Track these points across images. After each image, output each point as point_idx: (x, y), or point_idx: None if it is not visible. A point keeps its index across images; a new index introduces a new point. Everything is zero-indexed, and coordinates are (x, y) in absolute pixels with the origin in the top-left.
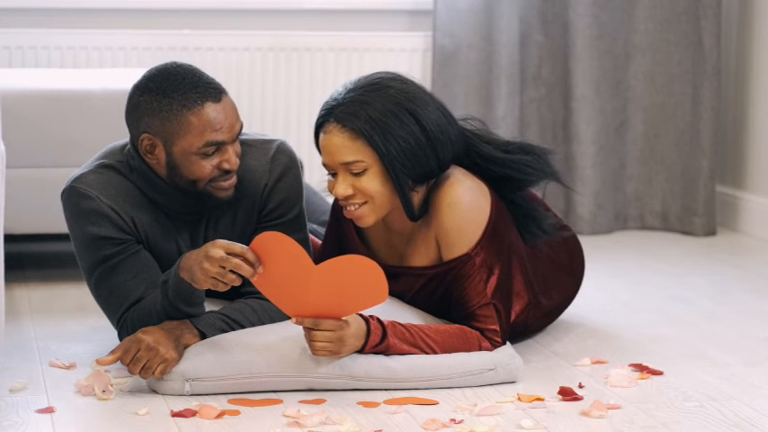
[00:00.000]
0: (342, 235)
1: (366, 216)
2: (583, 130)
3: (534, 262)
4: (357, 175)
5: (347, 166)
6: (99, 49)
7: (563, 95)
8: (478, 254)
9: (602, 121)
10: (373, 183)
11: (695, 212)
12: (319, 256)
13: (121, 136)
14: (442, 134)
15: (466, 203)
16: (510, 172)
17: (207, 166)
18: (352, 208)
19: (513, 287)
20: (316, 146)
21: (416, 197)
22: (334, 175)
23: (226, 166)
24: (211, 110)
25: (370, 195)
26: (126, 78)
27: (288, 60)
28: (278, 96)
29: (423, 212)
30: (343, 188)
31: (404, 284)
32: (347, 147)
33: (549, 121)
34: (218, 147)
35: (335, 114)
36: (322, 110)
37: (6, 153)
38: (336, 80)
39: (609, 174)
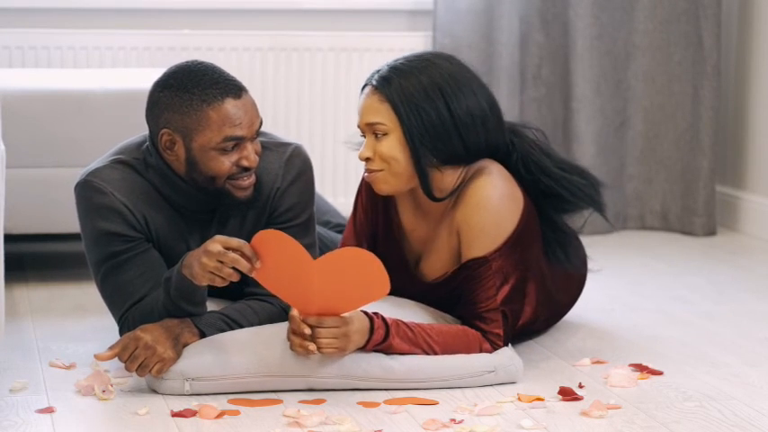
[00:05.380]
0: (378, 206)
1: (381, 182)
2: (583, 130)
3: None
4: (379, 139)
5: (371, 127)
6: (99, 49)
7: (563, 95)
8: (496, 259)
9: (602, 121)
10: (392, 149)
11: (695, 212)
12: (351, 228)
13: (122, 136)
14: (471, 119)
15: (494, 206)
16: (560, 189)
17: (225, 163)
18: (369, 172)
19: (524, 299)
20: None
21: (444, 179)
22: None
23: (245, 163)
24: (231, 105)
25: (387, 160)
26: (126, 78)
27: (288, 60)
28: (278, 96)
29: (449, 197)
30: (366, 150)
31: (412, 291)
32: (374, 108)
33: (549, 121)
34: (238, 143)
35: (374, 78)
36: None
37: (6, 153)
38: (336, 80)
39: (609, 174)
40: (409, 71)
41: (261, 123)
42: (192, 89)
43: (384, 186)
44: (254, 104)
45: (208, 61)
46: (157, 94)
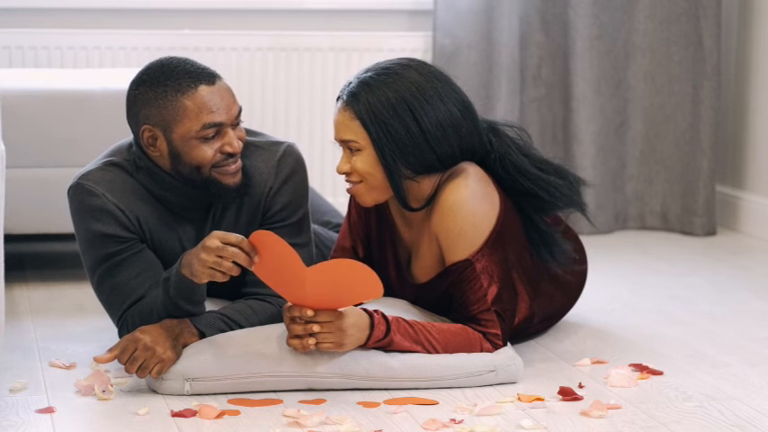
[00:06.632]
0: (371, 208)
1: (361, 195)
2: (583, 130)
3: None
4: (354, 154)
5: (346, 143)
6: (99, 49)
7: (563, 95)
8: (479, 260)
9: (602, 121)
10: (366, 164)
11: (695, 212)
12: (346, 229)
13: (121, 135)
14: (441, 131)
15: (469, 208)
16: (537, 190)
17: (208, 151)
18: (349, 185)
19: (516, 297)
20: None
21: (422, 187)
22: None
23: (228, 149)
24: (205, 92)
25: (363, 175)
26: (126, 78)
27: (288, 60)
28: (278, 96)
29: (426, 205)
30: (342, 164)
31: (407, 291)
32: (346, 125)
33: (549, 121)
34: (218, 130)
35: (345, 92)
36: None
37: (6, 153)
38: (336, 80)
39: (609, 174)
40: (376, 86)
41: (240, 110)
42: (165, 82)
43: (366, 198)
44: (229, 90)
45: (180, 56)
46: (133, 92)
